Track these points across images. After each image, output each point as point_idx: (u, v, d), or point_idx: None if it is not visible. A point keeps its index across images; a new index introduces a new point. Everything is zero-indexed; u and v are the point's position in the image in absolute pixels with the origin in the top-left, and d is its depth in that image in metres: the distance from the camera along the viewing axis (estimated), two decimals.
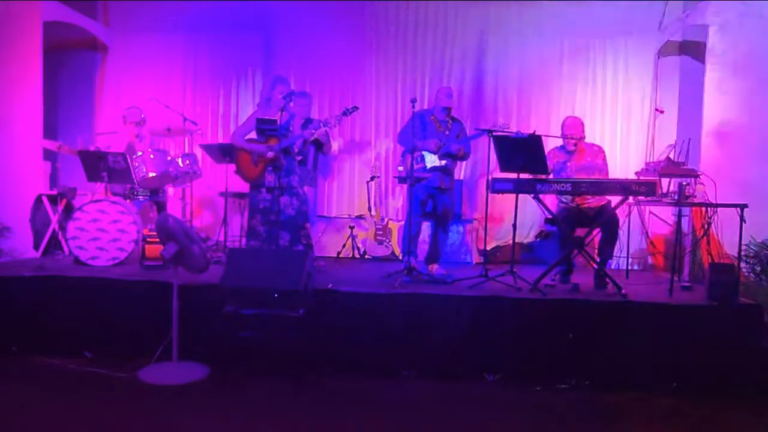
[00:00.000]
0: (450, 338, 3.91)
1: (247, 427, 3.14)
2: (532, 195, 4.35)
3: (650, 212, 5.53)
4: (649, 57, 5.94)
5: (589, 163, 4.68)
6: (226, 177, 5.84)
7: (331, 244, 6.04)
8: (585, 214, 4.61)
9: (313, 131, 4.75)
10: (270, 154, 4.59)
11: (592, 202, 4.63)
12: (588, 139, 4.88)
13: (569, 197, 4.55)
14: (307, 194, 5.06)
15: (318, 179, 6.16)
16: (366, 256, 5.83)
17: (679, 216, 4.50)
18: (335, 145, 6.31)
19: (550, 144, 4.74)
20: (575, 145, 4.67)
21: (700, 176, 4.53)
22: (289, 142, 4.63)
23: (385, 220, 5.88)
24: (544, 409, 3.48)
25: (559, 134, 4.76)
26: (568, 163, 4.68)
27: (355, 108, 4.73)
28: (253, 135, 4.73)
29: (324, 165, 6.25)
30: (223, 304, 3.74)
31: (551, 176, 4.59)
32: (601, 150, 4.78)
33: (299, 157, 4.95)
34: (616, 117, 6.00)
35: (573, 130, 4.67)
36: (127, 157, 4.86)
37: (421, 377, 3.88)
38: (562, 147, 4.76)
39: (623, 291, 4.08)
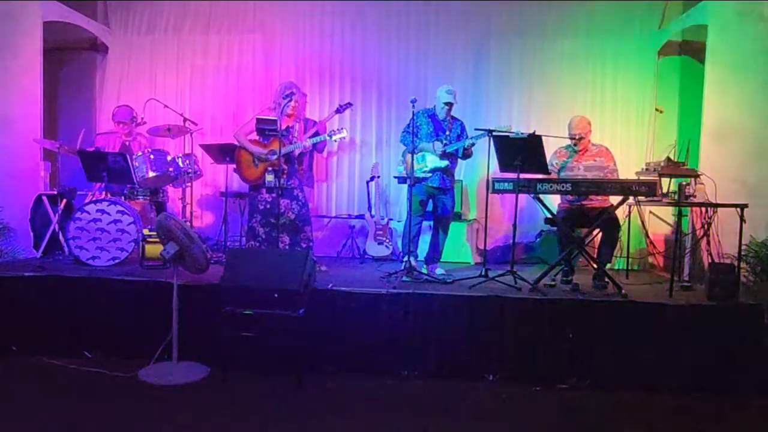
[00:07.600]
0: (450, 338, 3.92)
1: (247, 427, 3.14)
2: (532, 195, 4.35)
3: (650, 212, 5.53)
4: (649, 57, 5.94)
5: (597, 162, 4.68)
6: (226, 177, 5.85)
7: (331, 244, 6.03)
8: (587, 214, 4.61)
9: (314, 140, 4.73)
10: (271, 158, 4.59)
11: (596, 202, 4.63)
12: None
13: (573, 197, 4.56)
14: (306, 196, 5.06)
15: (314, 179, 6.17)
16: (366, 256, 5.83)
17: (679, 216, 4.50)
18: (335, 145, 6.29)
19: (550, 144, 4.74)
20: (578, 140, 4.67)
21: (700, 176, 4.53)
22: (290, 150, 4.62)
23: (385, 220, 5.88)
24: (544, 409, 3.48)
25: (558, 134, 4.76)
26: (571, 162, 4.69)
27: (349, 104, 4.70)
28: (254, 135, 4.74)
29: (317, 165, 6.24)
30: (223, 304, 3.73)
31: (557, 174, 4.61)
32: (609, 150, 4.78)
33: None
34: (616, 117, 6.00)
35: (576, 129, 4.68)
36: (127, 157, 4.86)
37: (421, 377, 3.88)
38: (569, 146, 4.77)
39: (623, 291, 4.08)
